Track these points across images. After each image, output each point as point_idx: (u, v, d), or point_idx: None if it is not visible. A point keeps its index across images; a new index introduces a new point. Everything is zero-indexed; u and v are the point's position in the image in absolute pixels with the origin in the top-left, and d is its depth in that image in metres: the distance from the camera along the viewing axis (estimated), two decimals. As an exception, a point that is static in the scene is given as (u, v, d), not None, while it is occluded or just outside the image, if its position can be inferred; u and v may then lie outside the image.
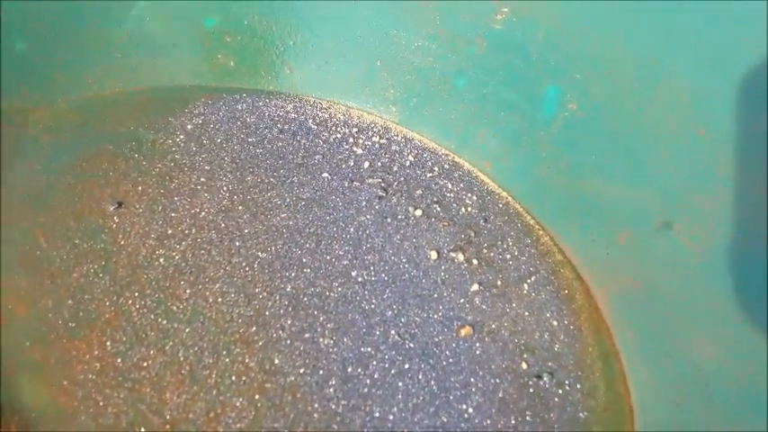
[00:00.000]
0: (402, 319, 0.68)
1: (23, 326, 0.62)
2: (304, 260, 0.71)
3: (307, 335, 0.65)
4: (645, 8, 0.68)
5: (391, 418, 0.60)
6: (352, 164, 0.81)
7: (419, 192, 0.79)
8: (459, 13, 0.81)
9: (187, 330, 0.63)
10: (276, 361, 0.62)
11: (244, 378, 0.61)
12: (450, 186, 0.81)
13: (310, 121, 0.86)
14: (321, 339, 0.65)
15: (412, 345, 0.66)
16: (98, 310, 0.63)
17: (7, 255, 0.66)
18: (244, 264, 0.69)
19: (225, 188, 0.76)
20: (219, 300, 0.66)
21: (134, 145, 0.79)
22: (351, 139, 0.84)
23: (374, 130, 0.86)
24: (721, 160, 0.63)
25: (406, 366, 0.64)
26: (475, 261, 0.74)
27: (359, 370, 0.63)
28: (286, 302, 0.67)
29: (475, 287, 0.71)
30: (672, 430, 0.62)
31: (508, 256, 0.75)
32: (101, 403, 0.58)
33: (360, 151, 0.83)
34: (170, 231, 0.71)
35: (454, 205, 0.79)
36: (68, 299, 0.64)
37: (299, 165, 0.80)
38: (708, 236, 0.64)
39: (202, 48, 0.88)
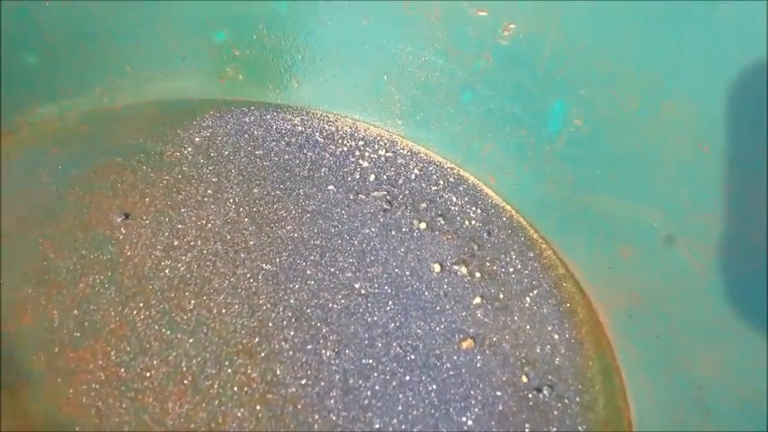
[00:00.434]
0: (404, 332, 0.68)
1: (29, 335, 0.62)
2: (308, 272, 0.71)
3: (309, 346, 0.65)
4: (652, 26, 0.68)
5: (391, 429, 0.61)
6: (357, 177, 0.82)
7: (424, 205, 0.80)
8: (466, 29, 0.81)
9: (190, 341, 0.64)
10: (278, 372, 0.63)
11: (246, 389, 0.61)
12: (454, 200, 0.81)
13: (317, 134, 0.86)
14: (323, 351, 0.65)
15: (413, 357, 0.66)
16: (103, 320, 0.64)
17: (15, 265, 0.67)
18: (248, 275, 0.70)
19: (231, 200, 0.77)
20: (223, 311, 0.67)
21: (142, 157, 0.80)
22: (357, 152, 0.84)
23: (380, 143, 0.86)
24: (725, 177, 0.63)
25: (407, 378, 0.64)
26: (478, 274, 0.74)
27: (360, 381, 0.63)
28: (289, 314, 0.67)
29: (477, 300, 0.72)
30: (671, 445, 0.63)
31: (511, 270, 0.75)
32: (104, 412, 0.58)
33: (366, 164, 0.83)
34: (176, 243, 0.71)
35: (458, 218, 0.79)
36: (74, 309, 0.64)
37: (305, 177, 0.81)
38: (710, 252, 0.64)
39: (211, 61, 0.89)
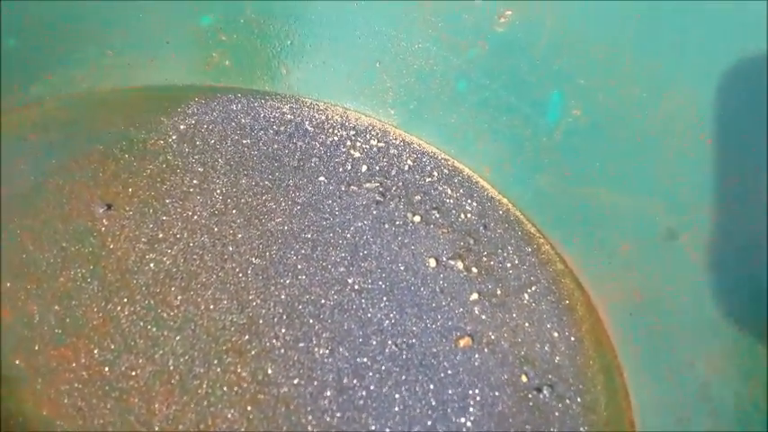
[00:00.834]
0: (399, 329, 0.66)
1: (8, 332, 0.60)
2: (299, 266, 0.69)
3: (301, 344, 0.63)
4: (653, 13, 0.67)
5: (387, 431, 0.59)
6: (349, 167, 0.79)
7: (418, 197, 0.78)
8: (460, 16, 0.79)
9: (177, 338, 0.61)
10: (269, 371, 0.60)
11: (236, 388, 0.59)
12: (449, 192, 0.79)
13: (307, 122, 0.84)
14: (316, 349, 0.63)
15: (409, 355, 0.64)
16: (85, 316, 0.61)
17: (-8, 258, 0.64)
18: (237, 270, 0.67)
19: (218, 191, 0.74)
20: (212, 307, 0.64)
21: (125, 145, 0.77)
22: (348, 142, 0.82)
23: (372, 133, 0.84)
24: (728, 171, 0.62)
25: (403, 378, 0.62)
26: (474, 269, 0.72)
27: (354, 381, 0.61)
28: (280, 310, 0.65)
29: (474, 296, 0.70)
30: (675, 447, 0.61)
31: (508, 265, 0.73)
32: (87, 413, 0.56)
33: (357, 155, 0.81)
34: (161, 235, 0.69)
35: (453, 211, 0.77)
36: (55, 304, 0.62)
37: (294, 168, 0.78)
38: (713, 248, 0.63)
39: (197, 46, 0.86)
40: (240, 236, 0.70)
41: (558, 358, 0.67)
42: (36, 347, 0.59)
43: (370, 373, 0.62)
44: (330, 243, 0.72)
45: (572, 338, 0.69)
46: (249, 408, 0.58)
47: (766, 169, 0.60)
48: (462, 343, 0.66)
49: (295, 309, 0.65)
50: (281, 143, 0.81)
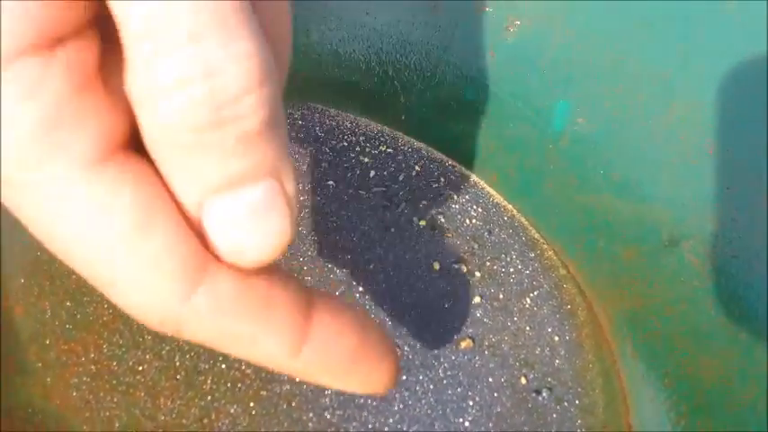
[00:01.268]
0: (402, 331, 0.67)
1: (20, 327, 0.62)
2: (305, 268, 0.70)
3: (305, 343, 0.64)
4: (660, 24, 0.67)
5: (387, 429, 0.60)
6: (357, 172, 0.81)
7: (424, 202, 0.79)
8: (470, 25, 0.80)
9: (184, 336, 0.63)
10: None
11: (239, 385, 0.60)
12: (455, 198, 0.80)
13: (317, 128, 0.85)
14: (319, 348, 0.64)
15: (411, 356, 0.65)
16: (96, 312, 0.63)
17: (7, 255, 0.66)
18: (244, 270, 0.69)
19: (229, 194, 0.75)
20: (218, 306, 0.65)
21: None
22: (357, 148, 0.83)
23: (381, 139, 0.85)
24: (733, 180, 0.63)
25: (404, 378, 0.63)
26: (478, 273, 0.73)
27: (356, 380, 0.62)
28: (285, 310, 0.66)
29: (476, 300, 0.71)
30: (671, 451, 0.62)
31: (511, 270, 0.74)
32: (94, 406, 0.58)
33: (366, 160, 0.82)
34: (172, 236, 0.70)
35: (459, 217, 0.78)
36: (67, 300, 0.63)
37: (304, 172, 0.79)
38: (715, 255, 0.63)
39: (212, 53, 0.87)
40: (249, 238, 0.72)
41: (557, 361, 0.68)
42: (47, 342, 0.61)
43: (372, 373, 0.63)
44: (336, 246, 0.73)
45: (572, 342, 0.69)
46: (252, 404, 0.59)
47: (767, 176, 0.60)
48: (463, 345, 0.67)
49: (300, 309, 0.67)
50: (291, 148, 0.82)
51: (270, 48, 0.25)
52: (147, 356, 0.61)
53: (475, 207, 0.80)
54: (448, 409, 0.62)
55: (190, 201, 0.26)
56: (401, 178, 0.81)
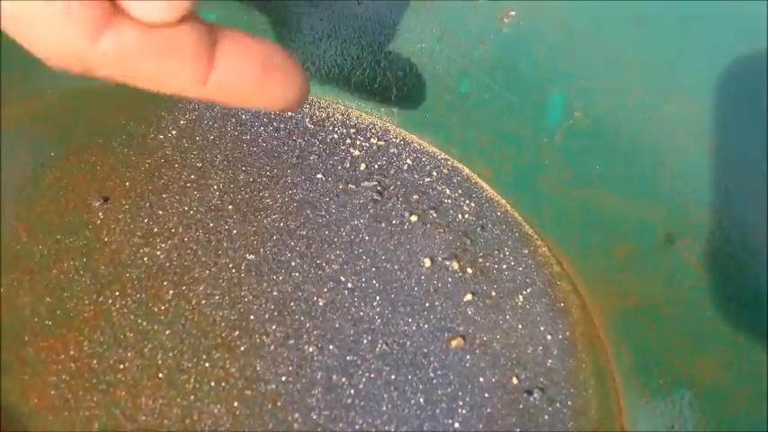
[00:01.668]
0: (391, 328, 0.65)
1: (-2, 322, 0.60)
2: (293, 264, 0.69)
3: (291, 341, 0.63)
4: (657, 16, 0.66)
5: (374, 430, 0.58)
6: (348, 165, 0.79)
7: (416, 196, 0.77)
8: (464, 16, 0.79)
9: (167, 333, 0.61)
10: (258, 367, 0.60)
11: (223, 384, 0.59)
12: (448, 192, 0.79)
13: (307, 120, 0.83)
14: (306, 346, 0.63)
15: (400, 355, 0.64)
16: (77, 308, 0.62)
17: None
18: (231, 265, 0.67)
19: (215, 187, 0.74)
20: (203, 302, 0.64)
21: (124, 139, 0.76)
22: (348, 140, 0.82)
23: (372, 131, 0.84)
24: (728, 176, 0.62)
25: (393, 377, 0.62)
26: (470, 270, 0.72)
27: (343, 379, 0.61)
28: (272, 307, 0.65)
29: (468, 297, 0.69)
30: (665, 454, 0.61)
31: (504, 266, 0.73)
32: (73, 405, 0.56)
33: (357, 153, 0.80)
34: (156, 229, 0.69)
35: (451, 212, 0.77)
36: (47, 296, 0.62)
37: (293, 165, 0.78)
38: (713, 254, 0.62)
39: (200, 42, 0.86)
40: (235, 232, 0.70)
41: (550, 361, 0.66)
42: (26, 338, 0.59)
43: (360, 372, 0.62)
44: (325, 241, 0.71)
45: (565, 342, 0.68)
46: (236, 403, 0.58)
47: (766, 175, 0.59)
48: (454, 344, 0.65)
49: (287, 306, 0.65)
50: (280, 140, 0.81)
51: None
52: (129, 354, 0.60)
53: (467, 202, 0.78)
54: (437, 410, 0.61)
55: None
56: (392, 172, 0.80)
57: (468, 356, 0.65)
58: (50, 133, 0.76)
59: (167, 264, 0.66)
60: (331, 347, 0.63)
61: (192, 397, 0.58)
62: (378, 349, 0.64)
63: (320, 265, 0.69)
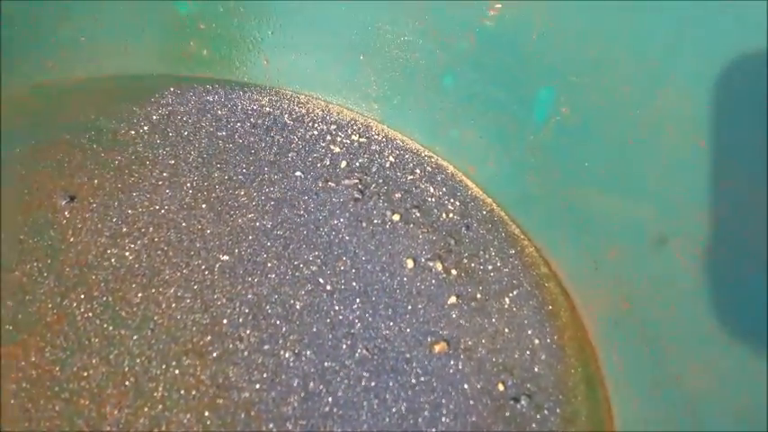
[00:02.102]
0: (371, 333, 0.63)
1: (-46, 327, 0.57)
2: (269, 265, 0.66)
3: (266, 347, 0.60)
4: (647, 8, 0.64)
5: (353, 441, 0.56)
6: (327, 163, 0.76)
7: (398, 195, 0.75)
8: (448, 8, 0.76)
9: (135, 338, 0.58)
10: (231, 374, 0.57)
11: (193, 392, 0.56)
12: (431, 190, 0.76)
13: (286, 116, 0.81)
14: (282, 352, 0.60)
15: (380, 360, 0.61)
16: (39, 312, 0.58)
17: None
18: (203, 267, 0.64)
19: (189, 184, 0.71)
20: (173, 305, 0.61)
21: (93, 135, 0.74)
22: (328, 137, 0.79)
23: (354, 127, 0.81)
24: (723, 174, 0.59)
25: (373, 384, 0.59)
26: (454, 271, 0.69)
27: (321, 387, 0.58)
28: (246, 310, 0.62)
29: (452, 300, 0.67)
30: (658, 464, 0.58)
31: (490, 267, 0.70)
32: (34, 415, 0.53)
33: (337, 150, 0.78)
34: (125, 229, 0.66)
35: (435, 211, 0.74)
36: (8, 299, 0.59)
37: (270, 162, 0.75)
38: (705, 254, 0.59)
39: (174, 34, 0.84)
40: (209, 231, 0.67)
41: (537, 367, 0.64)
42: (-17, 344, 0.56)
43: (338, 379, 0.59)
44: (303, 241, 0.68)
45: (554, 346, 0.65)
46: (206, 413, 0.55)
47: (765, 173, 0.57)
48: (437, 348, 0.63)
49: (262, 309, 0.62)
50: (257, 136, 0.78)
51: None
52: (94, 361, 0.56)
53: (452, 200, 0.76)
54: (420, 418, 0.58)
55: None
56: (374, 169, 0.77)
57: (452, 362, 0.62)
58: (15, 129, 0.72)
59: (136, 265, 0.63)
60: (308, 353, 0.60)
61: (160, 406, 0.55)
62: (357, 355, 0.61)
63: (298, 266, 0.66)
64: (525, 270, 0.71)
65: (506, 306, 0.68)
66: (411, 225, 0.72)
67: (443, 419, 0.58)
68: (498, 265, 0.71)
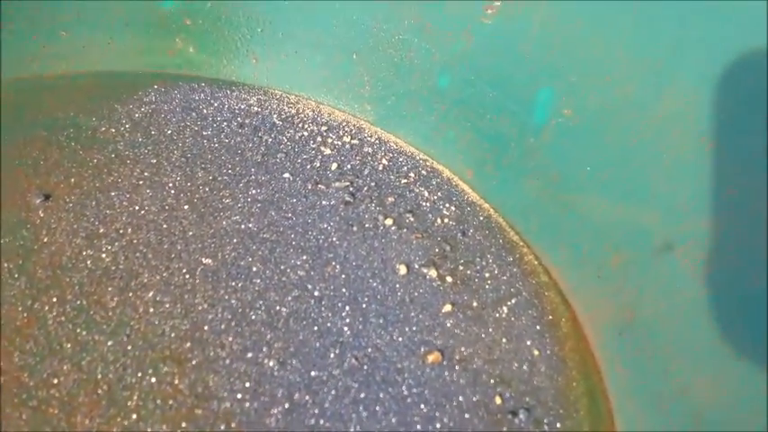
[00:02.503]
0: (362, 341, 0.60)
1: None
2: (254, 269, 0.63)
3: (250, 354, 0.57)
4: (651, 6, 0.62)
5: (340, 456, 0.53)
6: (317, 165, 0.73)
7: (391, 199, 0.72)
8: (445, 5, 0.75)
9: (109, 344, 0.55)
10: (211, 383, 0.54)
11: (170, 402, 0.53)
12: (426, 195, 0.73)
13: (275, 116, 0.78)
14: (266, 360, 0.56)
15: (371, 370, 0.58)
16: (9, 315, 0.56)
17: None
18: (184, 270, 0.61)
19: (171, 185, 0.68)
20: (151, 310, 0.58)
21: (72, 132, 0.71)
22: (319, 138, 0.76)
23: (346, 129, 0.78)
24: (730, 179, 0.57)
25: (362, 395, 0.56)
26: (449, 278, 0.66)
27: (307, 397, 0.55)
28: (229, 316, 0.59)
29: (447, 308, 0.64)
30: (664, 483, 0.56)
31: (487, 275, 0.68)
32: (-2, 425, 0.50)
33: (328, 151, 0.75)
34: (102, 230, 0.63)
35: (430, 216, 0.71)
36: (-25, 301, 0.56)
37: (257, 163, 0.72)
38: (712, 263, 0.57)
39: (159, 30, 0.82)
40: (191, 233, 0.64)
41: (537, 379, 0.61)
42: (-53, 348, 0.53)
43: (325, 389, 0.56)
44: (291, 245, 0.65)
45: (554, 358, 0.63)
46: (184, 424, 0.52)
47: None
48: (431, 359, 0.60)
49: (246, 315, 0.59)
50: (244, 136, 0.75)
51: None
52: (65, 367, 0.53)
53: (447, 205, 0.73)
54: (412, 432, 0.55)
55: None
56: (366, 172, 0.74)
57: (446, 373, 0.59)
58: (-11, 124, 0.70)
59: (113, 268, 0.60)
60: (294, 362, 0.57)
61: (134, 416, 0.52)
62: (346, 364, 0.58)
63: (284, 271, 0.63)
64: (524, 278, 0.68)
65: (504, 315, 0.65)
66: (404, 230, 0.69)
67: (437, 434, 0.55)
68: (496, 272, 0.68)
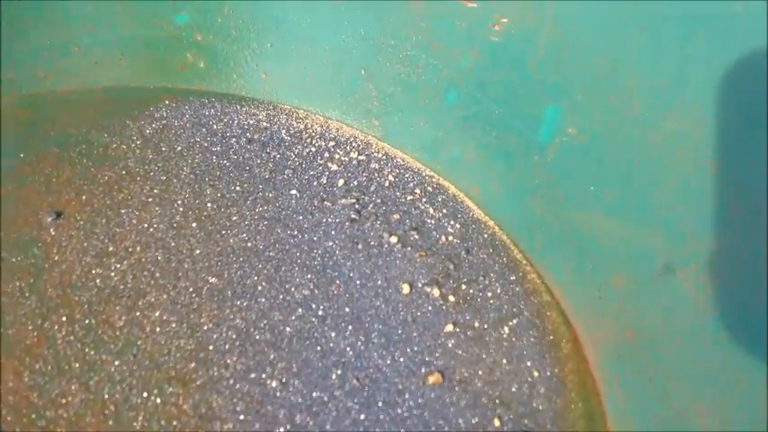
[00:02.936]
0: (363, 362, 0.60)
1: (-72, 350, 0.55)
2: (259, 288, 0.63)
3: (253, 375, 0.57)
4: (657, 26, 0.62)
5: (340, 477, 0.53)
6: (324, 181, 0.74)
7: (397, 216, 0.72)
8: (453, 22, 0.74)
9: (116, 363, 0.56)
10: (214, 404, 0.55)
11: (174, 422, 0.54)
12: (431, 212, 0.74)
13: (283, 131, 0.79)
14: (269, 381, 0.57)
15: (372, 391, 0.58)
16: (19, 334, 0.57)
17: None
18: (191, 289, 0.62)
19: (180, 202, 0.69)
20: (158, 329, 0.59)
21: (84, 149, 0.72)
22: (326, 154, 0.77)
23: (353, 144, 0.79)
24: (734, 201, 0.57)
25: (362, 417, 0.57)
26: (452, 297, 0.66)
27: (308, 419, 0.56)
28: (234, 336, 0.60)
29: (449, 328, 0.64)
30: None
31: (489, 294, 0.68)
32: (6, 445, 0.51)
33: (335, 167, 0.75)
34: (111, 248, 0.64)
35: (434, 233, 0.72)
36: (-15, 321, 0.57)
37: (265, 179, 0.73)
38: (715, 285, 0.57)
39: (170, 46, 0.82)
40: (198, 252, 0.65)
41: (536, 401, 0.61)
42: (-42, 368, 0.54)
43: (326, 410, 0.56)
44: (296, 263, 0.66)
45: (553, 379, 0.63)
46: (187, 445, 0.53)
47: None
48: (432, 380, 0.60)
49: (250, 335, 0.60)
50: (253, 152, 0.76)
51: None
52: (73, 387, 0.54)
53: (452, 222, 0.73)
54: (411, 454, 0.56)
55: None
56: (372, 188, 0.75)
57: (446, 394, 0.60)
58: (3, 141, 0.70)
59: (121, 287, 0.61)
60: (296, 382, 0.58)
61: (138, 437, 0.53)
62: (348, 385, 0.58)
63: (289, 290, 0.64)
64: (526, 297, 0.68)
65: (505, 335, 0.65)
66: (409, 248, 0.70)
67: (435, 455, 0.56)
68: (498, 291, 0.68)
